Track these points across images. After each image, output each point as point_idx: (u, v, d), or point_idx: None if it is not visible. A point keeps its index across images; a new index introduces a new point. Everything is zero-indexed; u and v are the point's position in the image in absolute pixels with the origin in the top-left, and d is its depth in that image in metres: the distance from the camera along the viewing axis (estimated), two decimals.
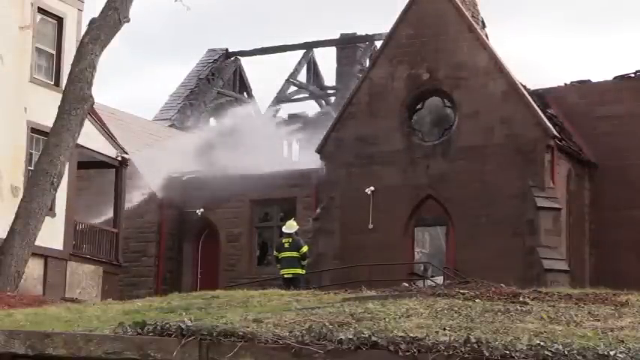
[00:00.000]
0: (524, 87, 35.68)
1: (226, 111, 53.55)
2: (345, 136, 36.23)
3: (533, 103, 34.80)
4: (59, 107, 25.55)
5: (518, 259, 32.56)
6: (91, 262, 33.63)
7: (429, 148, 35.20)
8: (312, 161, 38.39)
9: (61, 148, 25.11)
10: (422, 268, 37.85)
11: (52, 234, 30.01)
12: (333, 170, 36.17)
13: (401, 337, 9.08)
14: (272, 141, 45.85)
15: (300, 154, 45.79)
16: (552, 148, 34.09)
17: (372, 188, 35.04)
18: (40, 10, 31.63)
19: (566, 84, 39.56)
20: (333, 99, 53.45)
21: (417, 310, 12.30)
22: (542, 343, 8.95)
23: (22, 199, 25.49)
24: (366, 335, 9.07)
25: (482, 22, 37.76)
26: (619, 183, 36.04)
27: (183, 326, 9.34)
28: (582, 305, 13.28)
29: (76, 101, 25.37)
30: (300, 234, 28.11)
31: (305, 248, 26.88)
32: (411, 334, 9.29)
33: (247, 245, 40.26)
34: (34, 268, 29.33)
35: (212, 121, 54.26)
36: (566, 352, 8.68)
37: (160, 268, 40.05)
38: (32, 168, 27.81)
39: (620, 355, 8.73)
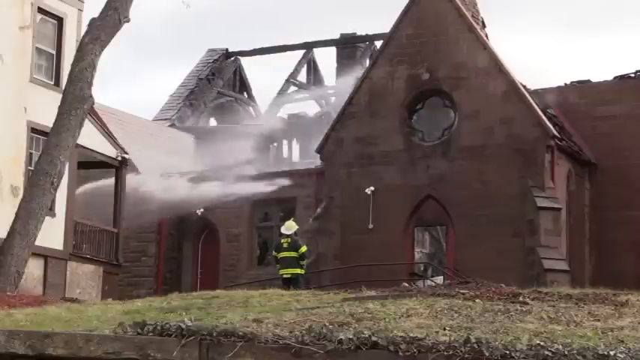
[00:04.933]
0: (524, 87, 35.67)
1: (227, 111, 53.57)
2: (345, 136, 36.23)
3: (533, 103, 34.79)
4: (59, 107, 25.54)
5: (518, 259, 32.55)
6: (91, 262, 33.60)
7: (429, 148, 35.19)
8: (312, 161, 38.37)
9: (61, 148, 25.10)
10: (422, 268, 37.86)
11: (52, 234, 30.00)
12: (333, 170, 36.16)
13: (401, 337, 9.09)
14: (272, 141, 45.89)
15: (300, 154, 45.77)
16: (552, 148, 34.08)
17: (372, 188, 35.03)
18: (40, 10, 31.60)
19: (566, 84, 39.56)
20: (333, 99, 53.40)
21: (417, 310, 12.31)
22: (542, 343, 8.96)
23: (22, 199, 25.48)
24: (366, 335, 9.08)
25: (483, 22, 37.74)
26: (619, 183, 36.04)
27: (183, 326, 9.35)
28: (582, 305, 13.28)
29: (76, 101, 25.36)
30: (299, 234, 28.11)
31: (304, 248, 26.87)
32: (411, 334, 9.30)
33: (247, 245, 40.25)
34: (34, 268, 29.31)
35: (212, 121, 54.26)
36: (566, 352, 8.69)
37: (160, 268, 40.04)
38: (32, 168, 27.79)
39: (620, 355, 8.75)
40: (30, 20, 31.09)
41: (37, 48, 31.48)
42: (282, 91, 54.44)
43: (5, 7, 30.38)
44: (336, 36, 53.34)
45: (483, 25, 37.66)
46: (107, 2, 26.31)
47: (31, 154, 30.56)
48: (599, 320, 11.86)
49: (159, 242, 40.26)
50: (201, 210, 39.89)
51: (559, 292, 15.38)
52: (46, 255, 30.67)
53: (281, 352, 9.03)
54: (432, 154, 35.00)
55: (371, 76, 36.63)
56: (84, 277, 33.16)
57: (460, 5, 35.58)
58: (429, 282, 29.45)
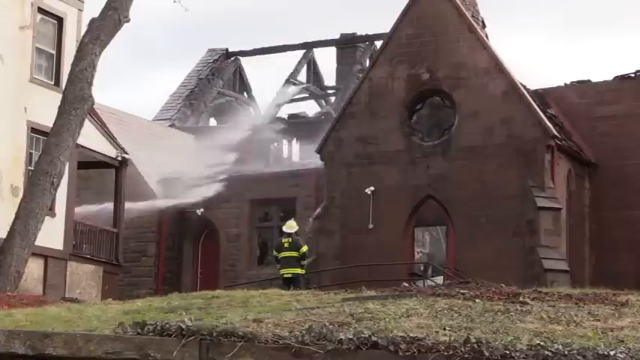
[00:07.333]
0: (524, 87, 35.67)
1: (227, 111, 53.54)
2: (345, 136, 36.22)
3: (533, 103, 34.79)
4: (59, 107, 25.53)
5: (518, 259, 32.54)
6: (91, 262, 33.61)
7: (429, 148, 35.18)
8: (312, 161, 38.38)
9: (61, 148, 25.09)
10: (422, 268, 37.85)
11: (52, 234, 29.99)
12: (333, 170, 36.15)
13: (401, 337, 9.09)
14: (272, 141, 45.88)
15: (300, 154, 45.77)
16: (552, 148, 34.07)
17: (372, 188, 35.01)
18: (40, 10, 31.61)
19: (566, 84, 39.56)
20: (333, 99, 53.42)
21: (417, 310, 12.30)
22: (542, 343, 8.97)
23: (22, 199, 25.47)
24: (366, 335, 9.08)
25: (483, 22, 37.73)
26: (619, 183, 36.03)
27: (183, 326, 9.35)
28: (582, 305, 13.28)
29: (76, 101, 25.36)
30: (300, 234, 28.13)
31: (304, 248, 26.91)
32: (411, 334, 9.30)
33: (247, 245, 40.26)
34: (34, 268, 29.31)
35: (212, 121, 54.25)
36: (566, 352, 8.69)
37: (160, 268, 40.05)
38: (32, 168, 27.79)
39: (620, 355, 8.75)
40: (30, 20, 31.09)
41: (37, 48, 31.48)
42: (282, 91, 54.43)
43: (5, 7, 30.38)
44: (336, 36, 53.36)
45: (483, 25, 37.64)
46: (107, 2, 26.30)
47: (31, 154, 30.56)
48: (599, 320, 11.86)
49: (159, 242, 40.27)
50: (201, 210, 39.90)
51: (559, 292, 15.39)
52: (46, 255, 30.67)
53: (281, 352, 9.03)
54: (432, 154, 34.99)
55: (371, 76, 36.62)
56: (84, 277, 33.16)
57: (460, 5, 35.57)
58: (429, 282, 29.45)
